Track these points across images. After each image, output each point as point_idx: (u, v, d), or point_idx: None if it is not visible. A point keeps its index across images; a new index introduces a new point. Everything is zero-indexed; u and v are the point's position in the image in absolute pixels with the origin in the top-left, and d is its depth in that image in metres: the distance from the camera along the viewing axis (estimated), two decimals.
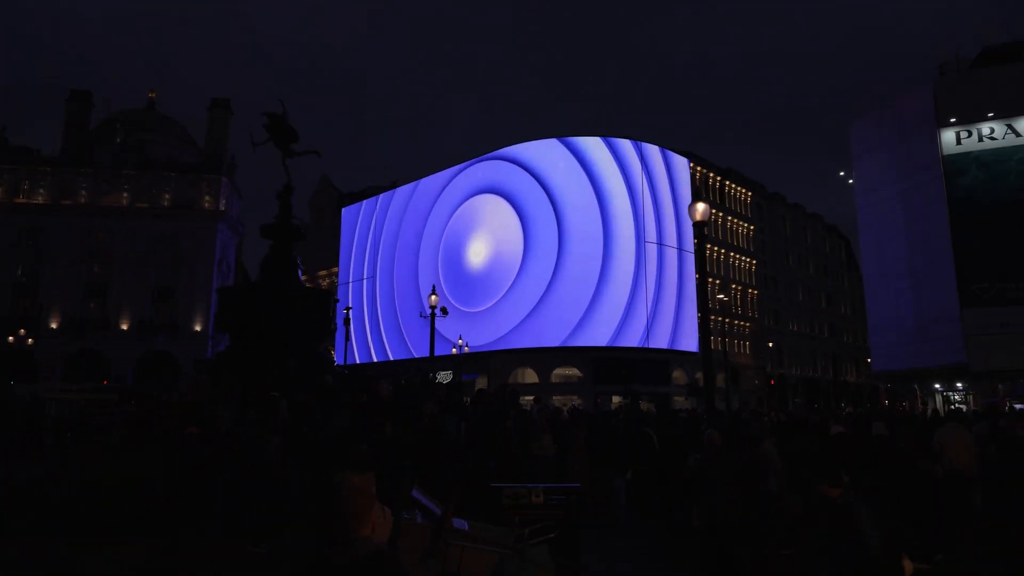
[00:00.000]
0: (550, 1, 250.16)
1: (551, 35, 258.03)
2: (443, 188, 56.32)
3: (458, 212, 53.98)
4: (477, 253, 51.65)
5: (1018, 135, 40.54)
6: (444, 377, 44.70)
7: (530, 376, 48.28)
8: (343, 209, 70.05)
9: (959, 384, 41.86)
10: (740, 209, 64.57)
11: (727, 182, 63.30)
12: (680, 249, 50.63)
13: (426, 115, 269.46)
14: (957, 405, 36.75)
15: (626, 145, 50.24)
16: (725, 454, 8.07)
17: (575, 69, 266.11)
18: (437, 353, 28.72)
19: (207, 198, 55.60)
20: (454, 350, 42.13)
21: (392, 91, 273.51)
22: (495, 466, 10.42)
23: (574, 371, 48.55)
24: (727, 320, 50.28)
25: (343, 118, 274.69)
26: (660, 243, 49.26)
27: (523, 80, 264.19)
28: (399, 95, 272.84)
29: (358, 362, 56.35)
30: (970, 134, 41.65)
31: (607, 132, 52.07)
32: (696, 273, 47.72)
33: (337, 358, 41.62)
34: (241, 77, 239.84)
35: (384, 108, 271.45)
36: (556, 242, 47.81)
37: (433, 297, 27.99)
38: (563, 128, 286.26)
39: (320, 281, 72.93)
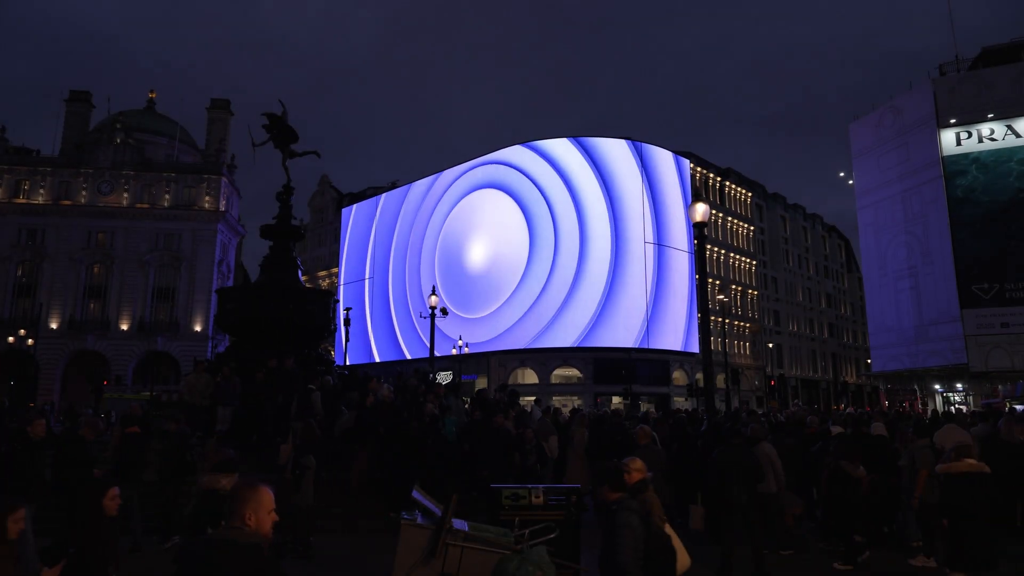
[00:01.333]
0: (551, 2, 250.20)
1: (552, 35, 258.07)
2: (443, 188, 56.35)
3: (459, 212, 53.99)
4: (478, 253, 51.65)
5: (1018, 136, 40.53)
6: (444, 378, 44.74)
7: (530, 376, 48.28)
8: (343, 209, 70.10)
9: (959, 385, 41.86)
10: (740, 209, 64.58)
11: (727, 182, 63.31)
12: (680, 250, 50.62)
13: (426, 115, 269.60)
14: (957, 406, 36.74)
15: (628, 145, 50.25)
16: (650, 450, 8.26)
17: (576, 70, 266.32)
18: (437, 353, 28.72)
19: (207, 198, 55.65)
20: (454, 350, 42.14)
21: (392, 91, 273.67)
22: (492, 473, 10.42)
23: (574, 372, 48.56)
24: (727, 321, 50.26)
25: (343, 118, 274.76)
26: (660, 243, 49.25)
27: (524, 80, 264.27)
28: (399, 95, 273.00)
29: (358, 362, 56.32)
30: (970, 134, 41.64)
31: (609, 133, 52.12)
32: (696, 274, 47.77)
33: (337, 358, 41.67)
34: (241, 77, 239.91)
35: (384, 108, 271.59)
36: (557, 243, 47.81)
37: (433, 298, 28.01)
38: (566, 128, 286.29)
39: (320, 281, 72.94)
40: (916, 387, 44.51)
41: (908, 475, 8.51)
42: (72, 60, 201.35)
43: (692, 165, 56.19)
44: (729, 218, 62.13)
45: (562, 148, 49.81)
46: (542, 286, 47.30)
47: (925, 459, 8.25)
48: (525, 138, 53.14)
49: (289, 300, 17.04)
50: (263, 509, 2.86)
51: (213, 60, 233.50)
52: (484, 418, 12.03)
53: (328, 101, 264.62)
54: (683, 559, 4.23)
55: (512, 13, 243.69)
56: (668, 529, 4.24)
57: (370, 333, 59.82)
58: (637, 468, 4.60)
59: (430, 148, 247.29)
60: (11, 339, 41.96)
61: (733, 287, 59.56)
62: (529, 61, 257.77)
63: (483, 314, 49.42)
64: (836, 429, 10.73)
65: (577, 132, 63.33)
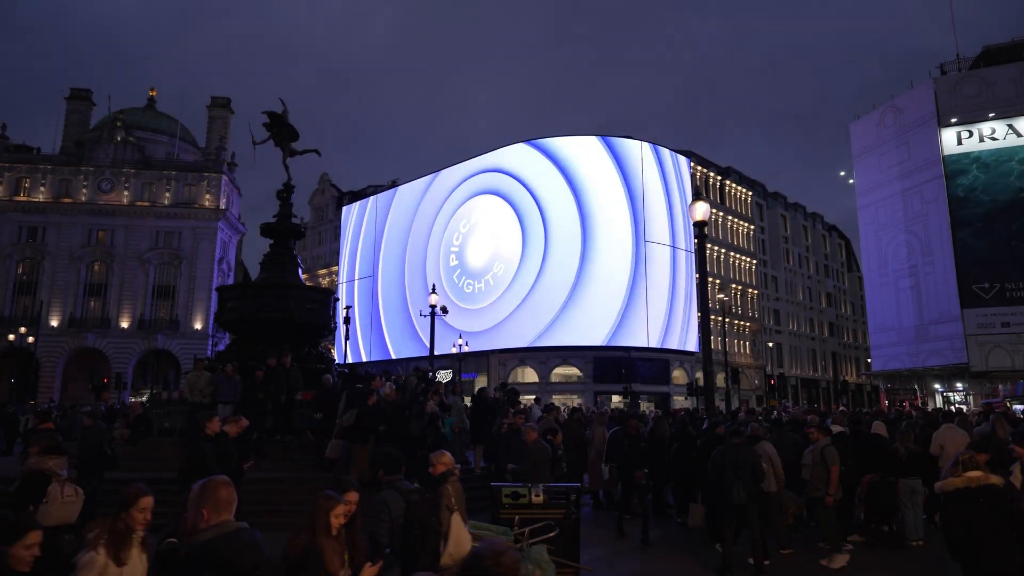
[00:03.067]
0: (550, 4, 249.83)
1: (568, 33, 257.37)
2: (444, 187, 56.31)
3: (459, 211, 53.98)
4: (477, 252, 51.62)
5: (1019, 135, 40.49)
6: (444, 376, 44.72)
7: (530, 375, 48.28)
8: (343, 208, 70.14)
9: (959, 384, 41.85)
10: (740, 209, 64.55)
11: (727, 182, 63.28)
12: (680, 248, 50.61)
13: (435, 114, 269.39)
14: (957, 405, 36.74)
15: (628, 144, 50.20)
16: (538, 446, 9.14)
17: (575, 70, 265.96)
18: (437, 352, 28.71)
19: (207, 196, 55.64)
20: (454, 349, 42.12)
21: (392, 91, 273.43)
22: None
23: (574, 370, 48.54)
24: (727, 320, 50.24)
25: (343, 117, 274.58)
26: (660, 243, 49.24)
27: (539, 78, 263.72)
28: (399, 95, 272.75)
29: (357, 361, 56.32)
30: (971, 134, 41.61)
31: (607, 131, 52.09)
32: (696, 273, 47.72)
33: (337, 356, 41.63)
34: (249, 74, 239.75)
35: (385, 108, 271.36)
36: (556, 242, 47.77)
37: (433, 296, 28.01)
38: (564, 127, 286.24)
39: (320, 280, 72.97)
40: (916, 386, 44.49)
41: (811, 472, 8.55)
42: (84, 57, 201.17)
43: (693, 164, 56.16)
44: (729, 217, 62.11)
45: (564, 146, 49.72)
46: (542, 285, 47.27)
47: (833, 455, 8.38)
48: (525, 137, 53.09)
49: (289, 298, 17.06)
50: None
51: (224, 57, 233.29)
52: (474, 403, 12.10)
53: (339, 99, 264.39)
54: (460, 546, 4.62)
55: (529, 11, 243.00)
56: (455, 519, 4.73)
57: (370, 332, 59.83)
58: (442, 462, 5.21)
59: (440, 147, 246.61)
60: (11, 337, 41.97)
61: (733, 286, 59.54)
62: (544, 59, 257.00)
63: (483, 313, 49.40)
64: (836, 428, 10.72)
65: (586, 130, 63.27)
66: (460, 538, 4.63)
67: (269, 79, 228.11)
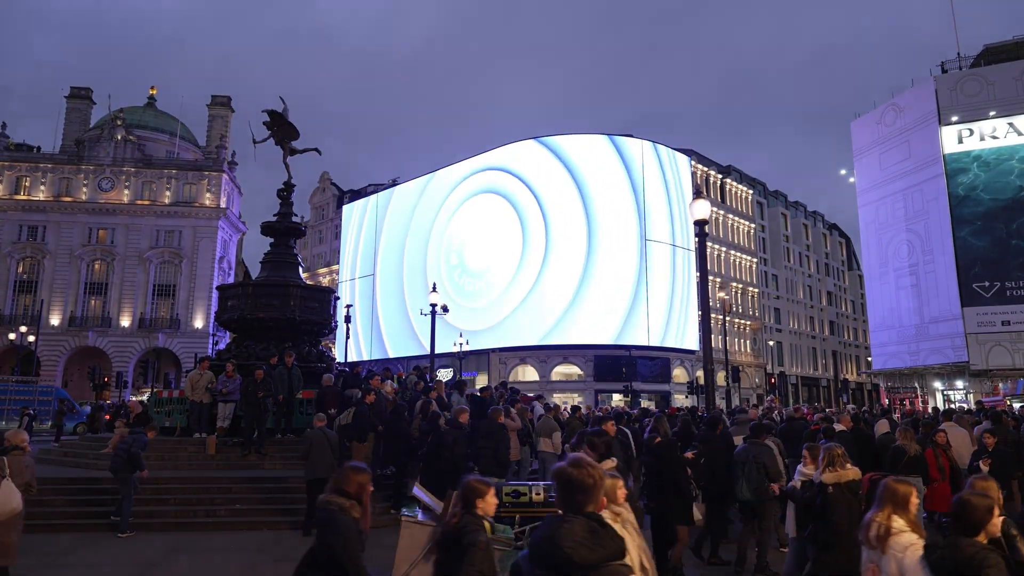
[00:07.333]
0: (551, 6, 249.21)
1: (597, 32, 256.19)
2: (445, 185, 56.26)
3: (459, 209, 53.92)
4: (477, 250, 51.57)
5: (1020, 133, 40.46)
6: (444, 375, 44.70)
7: (530, 374, 48.26)
8: (344, 207, 70.14)
9: (960, 383, 41.83)
10: (741, 207, 64.50)
11: (728, 180, 63.22)
12: (680, 247, 50.58)
13: (427, 114, 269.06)
14: (958, 404, 36.75)
15: (629, 143, 50.16)
16: (323, 432, 9.95)
17: (575, 71, 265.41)
18: (437, 350, 28.70)
19: (208, 195, 55.64)
20: (454, 347, 42.12)
21: (393, 89, 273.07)
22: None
23: (575, 369, 48.53)
24: (728, 318, 50.20)
25: (343, 116, 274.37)
26: (661, 241, 49.21)
27: (565, 78, 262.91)
28: (400, 94, 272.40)
29: (358, 360, 56.32)
30: (972, 132, 41.57)
31: (609, 130, 52.01)
32: (697, 271, 47.67)
33: (338, 355, 41.64)
34: (242, 74, 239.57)
35: (385, 107, 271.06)
36: (557, 240, 47.74)
37: (434, 295, 28.00)
38: (565, 125, 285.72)
39: (321, 278, 72.96)
40: (917, 385, 44.47)
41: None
42: (74, 56, 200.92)
43: (694, 163, 56.13)
44: (730, 216, 62.07)
45: (568, 145, 49.67)
46: (543, 284, 47.25)
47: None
48: (526, 135, 52.97)
49: (290, 297, 17.05)
50: None
51: (213, 56, 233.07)
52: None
53: (330, 98, 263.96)
54: (3, 506, 5.52)
55: (559, 10, 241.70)
56: (5, 483, 5.63)
57: (370, 330, 59.81)
58: (12, 441, 6.30)
59: (461, 145, 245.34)
60: (12, 336, 41.98)
61: (734, 285, 59.50)
62: (570, 59, 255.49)
63: (484, 312, 49.36)
64: (840, 427, 10.70)
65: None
66: (7, 498, 5.62)
67: (268, 80, 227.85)
